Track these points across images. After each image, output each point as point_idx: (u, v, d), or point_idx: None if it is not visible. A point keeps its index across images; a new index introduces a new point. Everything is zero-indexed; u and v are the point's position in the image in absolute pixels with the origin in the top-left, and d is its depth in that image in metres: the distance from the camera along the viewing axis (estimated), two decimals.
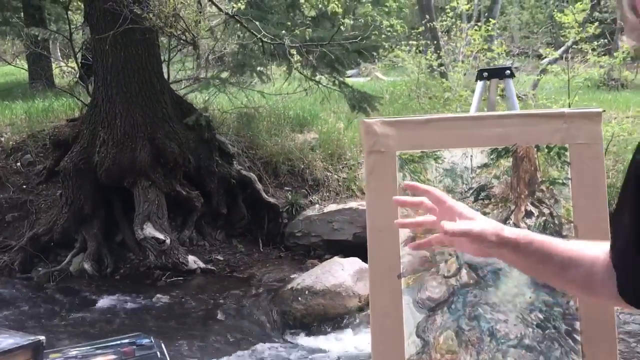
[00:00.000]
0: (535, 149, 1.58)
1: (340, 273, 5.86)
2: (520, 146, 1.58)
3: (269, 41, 5.24)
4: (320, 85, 6.79)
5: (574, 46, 8.20)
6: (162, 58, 7.10)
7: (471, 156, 1.59)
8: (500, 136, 1.58)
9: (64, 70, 10.63)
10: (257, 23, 5.19)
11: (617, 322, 1.46)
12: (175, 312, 5.77)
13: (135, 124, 6.53)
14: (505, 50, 9.18)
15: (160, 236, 6.42)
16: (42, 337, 1.62)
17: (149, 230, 6.42)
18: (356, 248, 6.62)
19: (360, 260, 6.02)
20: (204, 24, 5.73)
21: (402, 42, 9.76)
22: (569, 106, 7.24)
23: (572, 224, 1.54)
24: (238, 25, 5.69)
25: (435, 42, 10.35)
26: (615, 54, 8.89)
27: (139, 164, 6.51)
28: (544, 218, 1.55)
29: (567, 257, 1.04)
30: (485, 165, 1.59)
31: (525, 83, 9.48)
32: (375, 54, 6.53)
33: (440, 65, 9.65)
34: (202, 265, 6.69)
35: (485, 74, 1.76)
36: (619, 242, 1.01)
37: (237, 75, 6.30)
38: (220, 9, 5.53)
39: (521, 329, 1.54)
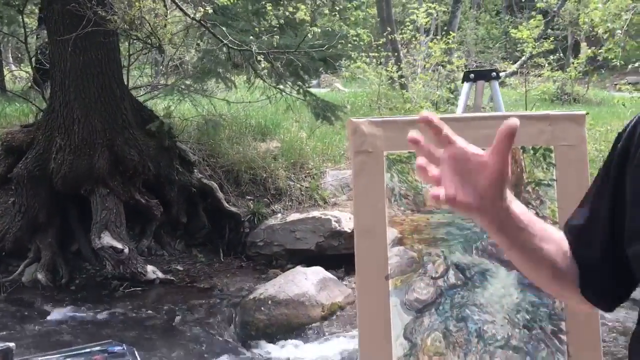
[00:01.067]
0: (521, 151, 1.59)
1: (303, 282, 5.81)
2: None
3: (236, 47, 5.18)
4: (284, 94, 6.77)
5: (529, 60, 8.46)
6: (122, 64, 6.94)
7: None
8: (486, 137, 1.58)
9: (15, 75, 10.27)
10: (223, 28, 5.13)
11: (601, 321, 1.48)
12: (134, 323, 5.60)
13: (94, 130, 6.34)
14: (463, 64, 9.39)
15: (119, 245, 6.23)
16: (12, 344, 1.53)
17: (107, 240, 6.23)
18: (319, 257, 6.59)
19: (324, 270, 5.99)
20: (170, 27, 5.63)
21: (364, 54, 9.86)
22: None
23: (557, 225, 1.56)
24: (202, 30, 5.61)
25: (395, 54, 10.50)
26: (567, 69, 9.21)
27: (97, 171, 6.32)
28: None
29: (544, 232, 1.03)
30: None
31: (484, 95, 9.69)
32: (338, 63, 6.55)
33: (401, 77, 9.79)
34: (161, 275, 6.53)
35: (472, 75, 1.77)
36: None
37: (200, 82, 6.21)
38: (186, 14, 5.44)
39: (508, 329, 1.54)
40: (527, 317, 1.54)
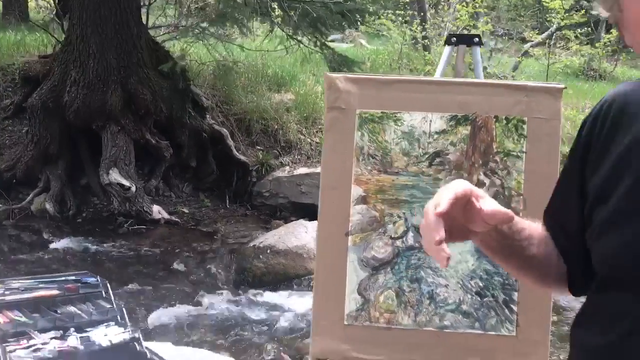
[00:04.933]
0: (494, 120, 1.58)
1: (303, 235, 5.88)
2: (480, 115, 1.58)
3: None
4: (301, 45, 6.69)
5: (557, 32, 8.22)
6: (141, 2, 6.90)
7: (430, 121, 1.59)
8: (461, 104, 1.58)
9: (39, 4, 10.28)
10: None
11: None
12: (134, 259, 5.76)
13: (109, 67, 6.37)
14: (490, 30, 9.16)
15: (126, 183, 6.34)
16: None
17: (115, 176, 6.34)
18: None
19: None
20: None
21: (389, 11, 9.65)
22: None
23: (521, 197, 1.56)
24: None
25: (422, 14, 10.26)
26: (597, 44, 8.94)
27: (109, 107, 6.38)
28: (494, 189, 1.57)
29: (528, 234, 1.06)
30: (444, 132, 1.59)
31: (506, 64, 9.50)
32: (359, 18, 6.43)
33: (425, 38, 9.59)
34: (166, 216, 6.65)
35: (454, 39, 1.74)
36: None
37: (217, 26, 6.16)
38: None
39: (460, 294, 1.56)
40: (481, 284, 1.56)
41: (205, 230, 6.63)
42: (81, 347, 1.85)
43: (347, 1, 5.56)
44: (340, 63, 6.64)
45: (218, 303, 5.08)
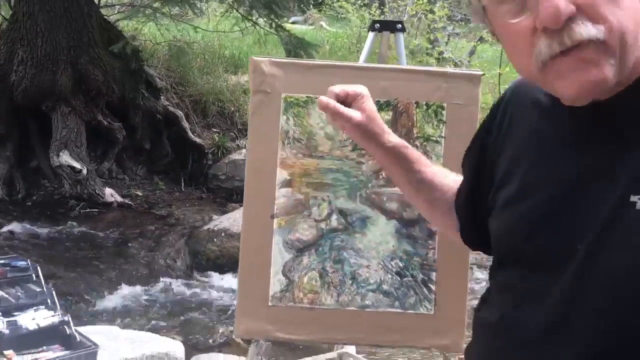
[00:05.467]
0: (415, 105, 1.62)
1: None
2: (401, 101, 1.62)
3: None
4: (256, 27, 6.64)
5: None
6: None
7: None
8: (383, 89, 1.61)
9: None
10: None
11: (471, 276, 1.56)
12: (85, 243, 5.68)
13: (58, 46, 6.20)
14: (447, 15, 9.24)
15: (77, 165, 6.23)
16: None
17: (65, 158, 6.22)
18: None
19: None
20: None
21: None
22: (499, 76, 7.42)
23: None
24: None
25: None
26: None
27: (59, 87, 6.23)
28: None
29: (426, 178, 1.17)
30: None
31: (463, 49, 9.62)
32: (312, 0, 6.41)
33: None
34: (119, 199, 6.57)
35: (377, 25, 1.77)
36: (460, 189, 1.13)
37: (168, 5, 6.05)
38: None
39: (381, 275, 1.61)
40: (401, 264, 1.61)
41: (159, 213, 6.57)
42: (6, 331, 1.85)
43: None
44: (297, 45, 6.61)
45: (171, 286, 5.08)
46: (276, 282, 1.61)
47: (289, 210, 1.61)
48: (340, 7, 9.76)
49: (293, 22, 12.92)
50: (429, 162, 1.21)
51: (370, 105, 1.17)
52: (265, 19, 6.58)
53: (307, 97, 1.62)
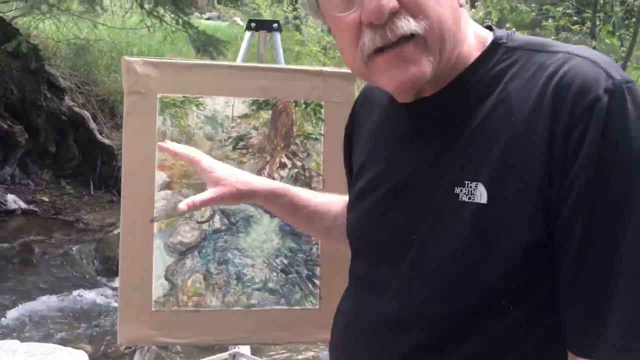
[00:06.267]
0: (294, 104, 1.64)
1: None
2: (280, 100, 1.63)
3: None
4: (163, 23, 6.47)
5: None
6: None
7: (233, 105, 1.61)
8: (262, 88, 1.62)
9: None
10: None
11: None
12: None
13: None
14: None
15: None
16: None
17: None
18: None
19: None
20: None
21: None
22: None
23: (320, 177, 1.63)
24: None
25: None
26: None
27: None
28: (296, 170, 1.63)
29: (314, 211, 1.16)
30: (246, 116, 1.62)
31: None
32: None
33: (296, 17, 9.65)
34: (23, 205, 6.24)
35: (254, 24, 1.77)
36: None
37: (66, 1, 5.78)
38: None
39: (267, 273, 1.62)
40: (285, 262, 1.62)
41: (66, 219, 6.30)
42: None
43: None
44: (205, 42, 6.51)
45: (80, 294, 4.89)
46: (159, 287, 1.58)
47: (169, 213, 1.58)
48: (252, 3, 9.69)
49: (208, 18, 12.71)
50: (313, 193, 1.20)
51: (217, 169, 1.11)
52: (171, 15, 6.42)
53: (184, 97, 1.60)
